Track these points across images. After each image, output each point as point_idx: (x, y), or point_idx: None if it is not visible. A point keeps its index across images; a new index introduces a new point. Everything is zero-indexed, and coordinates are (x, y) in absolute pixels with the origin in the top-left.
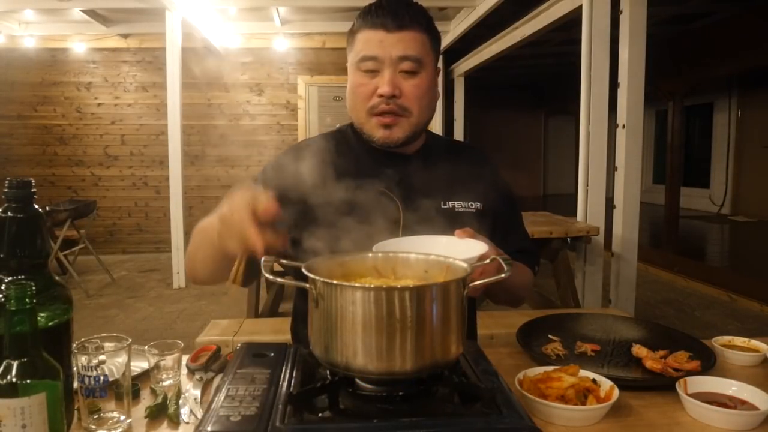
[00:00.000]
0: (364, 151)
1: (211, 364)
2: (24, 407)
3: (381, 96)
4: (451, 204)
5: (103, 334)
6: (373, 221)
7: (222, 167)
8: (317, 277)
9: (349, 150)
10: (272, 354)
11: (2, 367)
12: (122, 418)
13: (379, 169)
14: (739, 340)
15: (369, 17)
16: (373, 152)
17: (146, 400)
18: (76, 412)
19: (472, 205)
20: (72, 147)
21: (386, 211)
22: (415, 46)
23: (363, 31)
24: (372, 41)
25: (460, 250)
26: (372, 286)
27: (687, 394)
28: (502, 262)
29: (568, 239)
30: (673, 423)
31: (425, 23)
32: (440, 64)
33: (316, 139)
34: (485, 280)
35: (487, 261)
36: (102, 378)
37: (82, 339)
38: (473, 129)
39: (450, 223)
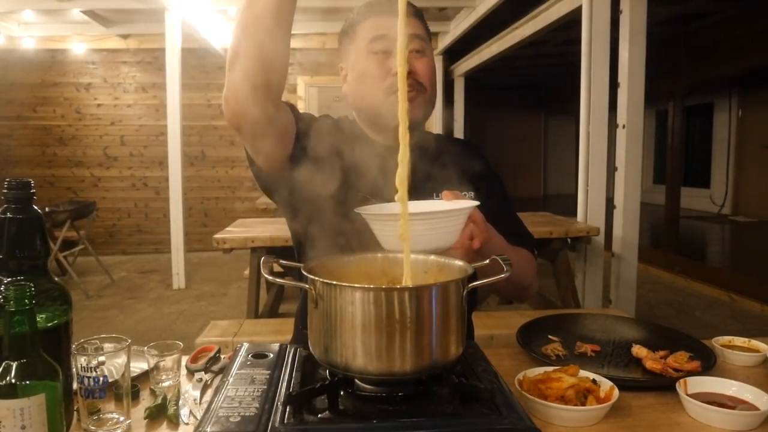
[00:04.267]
0: (363, 143)
1: (210, 365)
2: (23, 408)
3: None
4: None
5: (102, 335)
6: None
7: (222, 168)
8: (317, 278)
9: (351, 139)
10: (272, 355)
11: (2, 368)
12: (122, 419)
13: (375, 161)
14: (739, 341)
15: (373, 7)
16: (370, 145)
17: (146, 400)
18: (75, 413)
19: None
20: (71, 148)
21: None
22: (420, 28)
23: (369, 19)
24: (381, 24)
25: (450, 206)
26: (371, 286)
27: (687, 395)
28: (502, 263)
29: (569, 239)
30: (673, 423)
31: (422, 16)
32: (443, 70)
33: (336, 120)
34: (486, 281)
35: (487, 261)
36: (101, 379)
37: (82, 340)
38: (473, 129)
39: None
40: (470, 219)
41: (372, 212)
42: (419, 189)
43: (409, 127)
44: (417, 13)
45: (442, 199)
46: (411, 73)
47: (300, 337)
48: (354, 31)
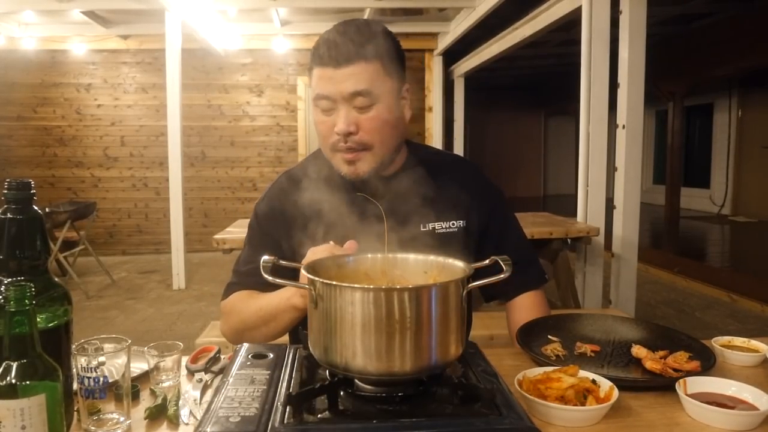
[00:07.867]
0: (341, 176)
1: (210, 366)
2: (24, 408)
3: (338, 134)
4: (431, 226)
5: (102, 336)
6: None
7: (222, 168)
8: (317, 278)
9: (326, 176)
10: (272, 355)
11: (2, 369)
12: (122, 419)
13: (356, 195)
14: (738, 341)
15: (317, 53)
16: (339, 180)
17: (146, 401)
18: (75, 413)
19: (454, 224)
20: (72, 148)
21: (369, 234)
22: (365, 78)
23: (315, 68)
24: (323, 79)
25: None
26: (371, 286)
27: (687, 395)
28: (501, 263)
29: (569, 240)
30: (673, 423)
31: (374, 51)
32: (442, 70)
33: (296, 172)
34: (485, 281)
35: (487, 261)
36: (102, 379)
37: (82, 340)
38: (473, 129)
39: (431, 246)
40: None
41: None
42: (408, 221)
43: (359, 178)
44: (361, 51)
45: None
46: (352, 133)
47: (295, 338)
48: (310, 74)
